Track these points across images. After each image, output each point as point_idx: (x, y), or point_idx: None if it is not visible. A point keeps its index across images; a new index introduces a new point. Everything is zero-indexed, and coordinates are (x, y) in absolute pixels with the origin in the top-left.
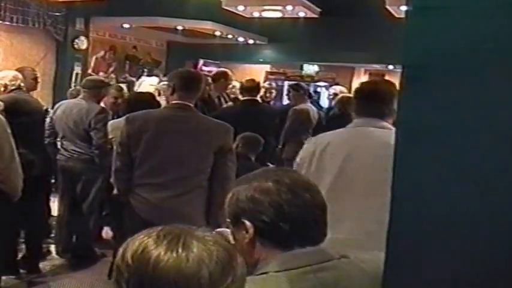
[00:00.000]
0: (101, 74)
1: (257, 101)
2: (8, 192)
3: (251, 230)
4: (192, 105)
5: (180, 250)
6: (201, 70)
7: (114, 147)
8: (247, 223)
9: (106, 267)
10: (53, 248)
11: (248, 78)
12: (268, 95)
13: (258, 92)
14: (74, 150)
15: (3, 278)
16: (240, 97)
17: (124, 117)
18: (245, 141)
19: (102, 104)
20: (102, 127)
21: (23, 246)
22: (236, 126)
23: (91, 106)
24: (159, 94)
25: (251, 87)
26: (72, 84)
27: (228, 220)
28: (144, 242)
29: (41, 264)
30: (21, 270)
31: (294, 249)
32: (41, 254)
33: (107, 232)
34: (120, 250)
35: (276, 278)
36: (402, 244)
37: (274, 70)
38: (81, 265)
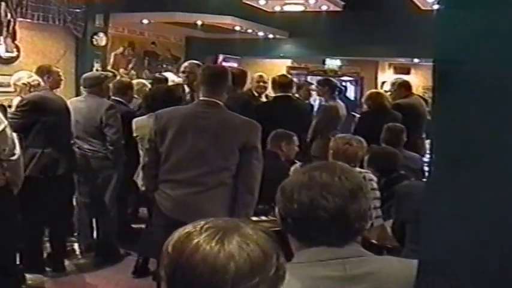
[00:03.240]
0: (121, 70)
1: (290, 96)
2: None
3: (278, 217)
4: (219, 101)
5: (213, 244)
6: None
7: (139, 145)
8: (276, 209)
9: (130, 265)
10: (76, 246)
11: (280, 74)
12: (311, 91)
13: (291, 87)
14: (88, 149)
15: (29, 276)
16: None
17: (148, 115)
18: (274, 137)
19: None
20: (114, 122)
21: (48, 244)
22: (269, 122)
23: (99, 102)
24: None
25: (284, 83)
26: None
27: None
28: (189, 231)
29: (66, 262)
30: (47, 268)
31: (305, 247)
32: (65, 252)
33: None
34: (170, 237)
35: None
36: (435, 248)
37: (296, 65)
38: (106, 264)
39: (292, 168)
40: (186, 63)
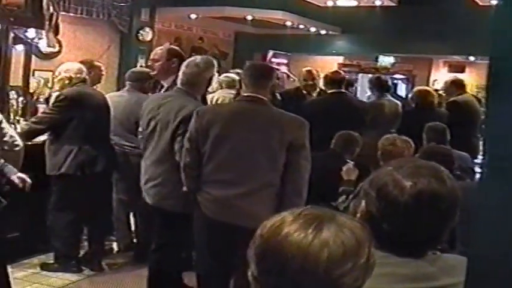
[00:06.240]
0: None
1: (345, 93)
2: None
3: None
4: (264, 98)
5: (309, 231)
6: (271, 62)
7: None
8: (363, 204)
9: None
10: (115, 245)
11: (332, 70)
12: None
13: (344, 83)
14: (125, 145)
15: (67, 275)
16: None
17: None
18: (338, 140)
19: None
20: None
21: (86, 243)
22: (322, 120)
23: (140, 97)
24: (221, 87)
25: (337, 79)
26: None
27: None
28: (286, 217)
29: (104, 262)
30: (84, 268)
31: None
32: (103, 251)
33: None
34: (264, 222)
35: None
36: (486, 247)
37: (348, 62)
38: (144, 263)
39: (344, 168)
40: (158, 48)
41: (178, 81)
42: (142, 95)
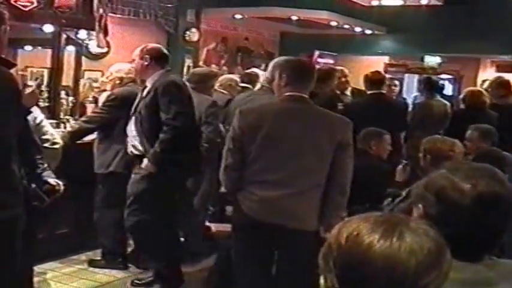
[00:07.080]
0: (213, 66)
1: (384, 94)
2: None
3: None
4: (307, 96)
5: (394, 239)
6: (317, 62)
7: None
8: (420, 209)
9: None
10: None
11: (373, 70)
12: (393, 88)
13: (384, 84)
14: None
15: (113, 271)
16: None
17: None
18: (364, 135)
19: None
20: (213, 120)
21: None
22: (362, 121)
23: (202, 99)
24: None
25: (377, 80)
26: (184, 77)
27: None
28: (361, 225)
29: None
30: (130, 265)
31: None
32: None
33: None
34: (335, 229)
35: None
36: None
37: (394, 62)
38: (189, 261)
39: (398, 168)
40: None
41: (264, 80)
42: (204, 96)
